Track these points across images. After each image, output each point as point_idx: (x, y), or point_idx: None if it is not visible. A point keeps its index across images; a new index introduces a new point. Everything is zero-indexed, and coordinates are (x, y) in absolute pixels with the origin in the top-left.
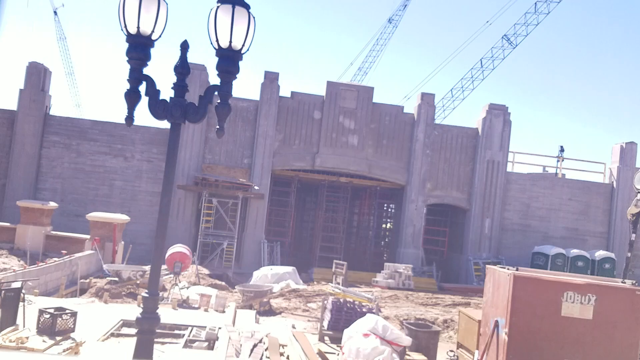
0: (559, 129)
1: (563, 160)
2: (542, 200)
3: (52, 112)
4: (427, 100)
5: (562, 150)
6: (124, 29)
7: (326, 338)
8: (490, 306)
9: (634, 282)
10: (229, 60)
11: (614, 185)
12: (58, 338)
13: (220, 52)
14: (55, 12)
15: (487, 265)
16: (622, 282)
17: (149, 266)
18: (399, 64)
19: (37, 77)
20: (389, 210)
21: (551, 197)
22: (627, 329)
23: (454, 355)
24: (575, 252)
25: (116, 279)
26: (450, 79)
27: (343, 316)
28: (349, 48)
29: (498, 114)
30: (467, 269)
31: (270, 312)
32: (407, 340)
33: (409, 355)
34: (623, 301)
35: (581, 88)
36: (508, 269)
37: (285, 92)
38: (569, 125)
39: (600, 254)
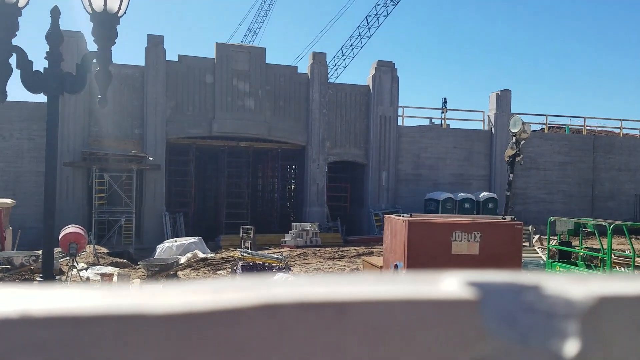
0: (443, 81)
1: (447, 111)
2: (430, 150)
3: None
4: (319, 59)
5: (445, 102)
6: None
7: None
8: (390, 252)
9: (513, 217)
10: (105, 25)
11: (493, 131)
12: None
13: (94, 16)
14: None
15: (385, 215)
16: (502, 218)
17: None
18: (289, 24)
19: None
20: (292, 171)
21: (438, 147)
22: (510, 259)
23: None
24: (462, 195)
25: (8, 266)
26: (341, 37)
27: None
28: (237, 7)
29: (386, 71)
30: (369, 221)
31: None
32: None
33: None
34: (504, 235)
35: (460, 41)
36: (403, 216)
37: (172, 56)
38: (451, 78)
39: (483, 195)
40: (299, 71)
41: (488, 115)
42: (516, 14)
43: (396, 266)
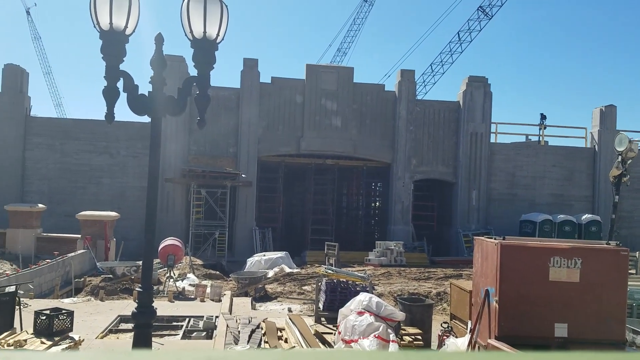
0: (540, 96)
1: (545, 127)
2: (526, 168)
3: (33, 113)
4: (407, 77)
5: (543, 117)
6: (97, 26)
7: (322, 319)
8: (480, 276)
9: (619, 242)
10: (204, 51)
11: (596, 149)
12: (56, 338)
13: (195, 43)
14: (27, 12)
15: (475, 237)
16: (606, 244)
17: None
18: (377, 43)
19: (15, 79)
20: (377, 188)
21: (535, 165)
22: (613, 289)
23: (448, 326)
24: (561, 217)
25: (110, 276)
26: (430, 54)
27: (338, 296)
28: (327, 29)
29: (478, 86)
30: (457, 242)
31: (265, 297)
32: (401, 316)
33: (404, 329)
34: (608, 262)
35: (559, 54)
36: (495, 238)
37: (265, 78)
38: (550, 93)
39: (586, 217)
40: (386, 89)
41: (591, 132)
42: (620, 25)
43: (487, 292)
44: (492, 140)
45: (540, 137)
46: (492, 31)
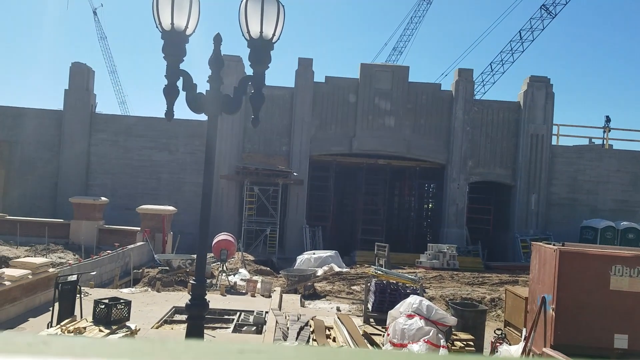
0: (605, 98)
1: (609, 130)
2: (589, 172)
3: (98, 110)
4: (465, 76)
5: (608, 120)
6: (159, 26)
7: (371, 320)
8: (537, 283)
9: None
10: (260, 50)
11: None
12: (114, 327)
13: (251, 42)
14: (94, 13)
15: (533, 242)
16: None
17: None
18: (435, 41)
19: (81, 77)
20: (430, 190)
21: (599, 169)
22: None
23: (502, 333)
24: (625, 224)
25: (167, 268)
26: (489, 53)
27: (387, 298)
28: (383, 28)
29: (540, 87)
30: (514, 247)
31: (314, 295)
32: (452, 320)
33: (455, 335)
34: None
35: (624, 55)
36: (554, 244)
37: (319, 77)
38: (614, 95)
39: None
40: (442, 88)
41: None
42: None
43: (544, 299)
44: (554, 142)
45: (605, 140)
46: (556, 30)
